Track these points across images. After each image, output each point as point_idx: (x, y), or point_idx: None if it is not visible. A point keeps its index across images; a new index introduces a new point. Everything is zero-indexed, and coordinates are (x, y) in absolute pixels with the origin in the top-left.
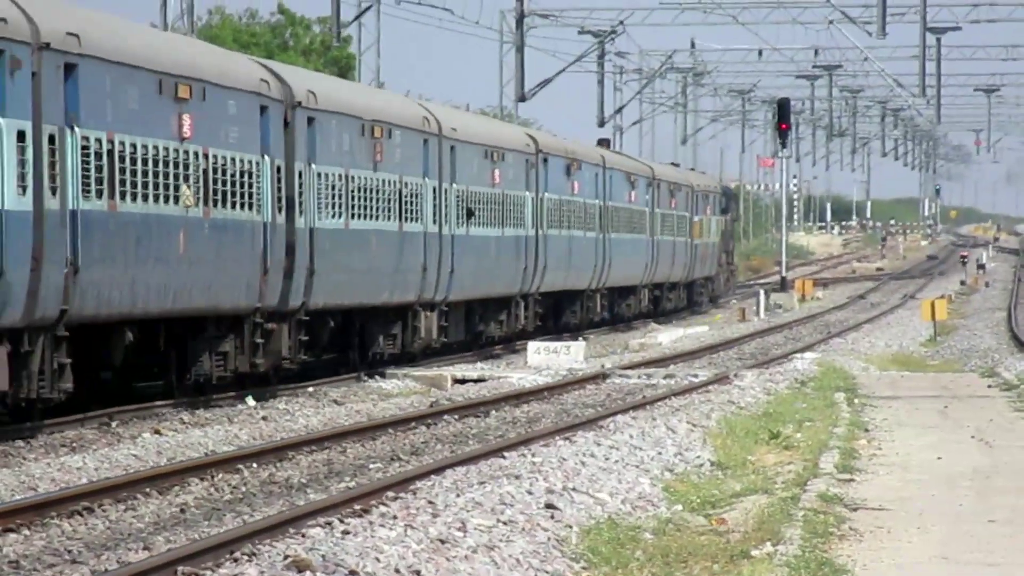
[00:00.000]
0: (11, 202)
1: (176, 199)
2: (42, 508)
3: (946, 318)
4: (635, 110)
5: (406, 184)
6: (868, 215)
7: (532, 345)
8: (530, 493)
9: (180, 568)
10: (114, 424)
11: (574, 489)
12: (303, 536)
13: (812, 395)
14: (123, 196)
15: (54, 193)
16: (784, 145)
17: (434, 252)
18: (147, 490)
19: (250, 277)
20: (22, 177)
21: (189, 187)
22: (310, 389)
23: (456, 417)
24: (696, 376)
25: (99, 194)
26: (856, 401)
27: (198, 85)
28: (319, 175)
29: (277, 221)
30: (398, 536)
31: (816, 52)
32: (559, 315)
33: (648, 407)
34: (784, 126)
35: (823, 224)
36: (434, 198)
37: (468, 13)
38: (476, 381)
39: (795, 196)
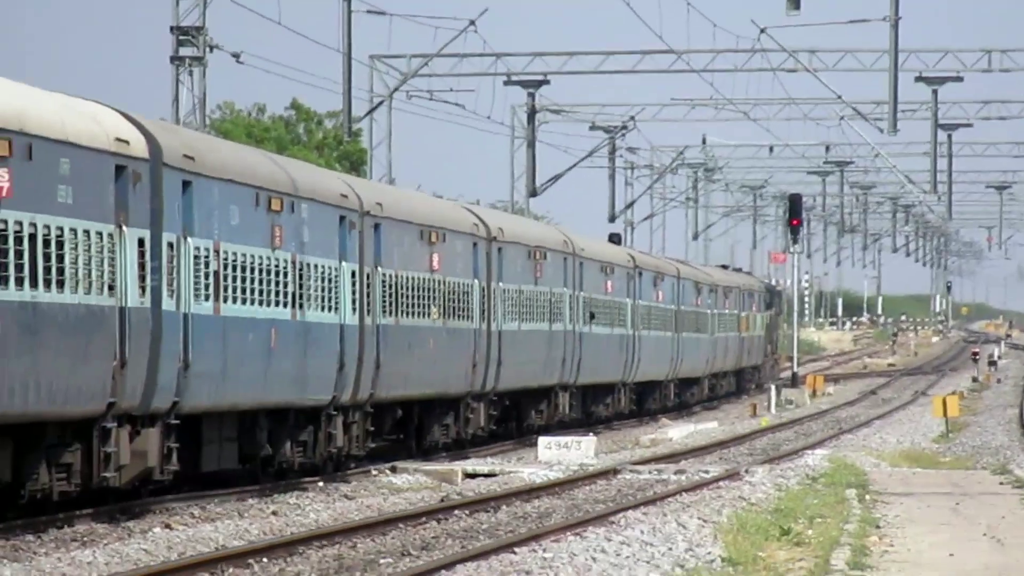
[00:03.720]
0: (348, 319)
1: (428, 314)
2: None
3: (958, 415)
4: (646, 205)
5: (554, 293)
6: (879, 311)
7: (543, 440)
8: None
9: None
10: (124, 518)
11: None
12: None
13: (823, 491)
14: (404, 314)
15: (368, 312)
16: (795, 241)
17: (570, 346)
18: None
19: (466, 369)
20: (354, 303)
21: (435, 305)
22: (320, 484)
23: (467, 512)
24: (707, 472)
25: (391, 313)
26: (867, 497)
27: (442, 231)
28: (504, 291)
29: (482, 327)
30: None
31: (827, 148)
32: (642, 402)
33: (659, 503)
34: (795, 222)
35: (834, 320)
36: (570, 303)
37: (480, 108)
38: (487, 476)
39: (806, 292)
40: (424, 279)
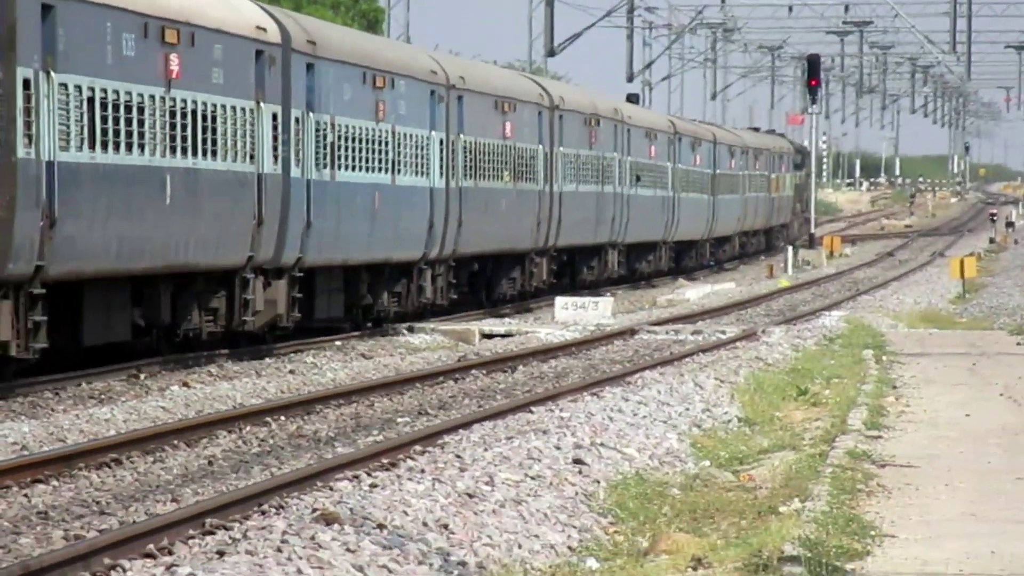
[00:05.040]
0: (436, 183)
1: (501, 177)
2: (71, 459)
3: (975, 276)
4: (664, 65)
5: (605, 158)
6: (897, 172)
7: (559, 300)
8: (558, 448)
9: (208, 520)
10: (142, 376)
11: (602, 444)
12: (331, 489)
13: (840, 352)
14: (482, 178)
15: (452, 176)
16: (814, 101)
17: (619, 207)
18: (175, 442)
19: (531, 227)
20: (441, 167)
21: (507, 169)
22: (338, 343)
23: (483, 372)
24: (724, 332)
25: (471, 177)
26: (884, 358)
27: (513, 101)
28: (564, 155)
29: (545, 188)
30: (426, 490)
31: (847, 8)
32: (680, 260)
33: (676, 363)
34: (814, 82)
35: (852, 181)
36: (619, 167)
37: None
38: (503, 336)
39: (824, 153)
40: (498, 145)
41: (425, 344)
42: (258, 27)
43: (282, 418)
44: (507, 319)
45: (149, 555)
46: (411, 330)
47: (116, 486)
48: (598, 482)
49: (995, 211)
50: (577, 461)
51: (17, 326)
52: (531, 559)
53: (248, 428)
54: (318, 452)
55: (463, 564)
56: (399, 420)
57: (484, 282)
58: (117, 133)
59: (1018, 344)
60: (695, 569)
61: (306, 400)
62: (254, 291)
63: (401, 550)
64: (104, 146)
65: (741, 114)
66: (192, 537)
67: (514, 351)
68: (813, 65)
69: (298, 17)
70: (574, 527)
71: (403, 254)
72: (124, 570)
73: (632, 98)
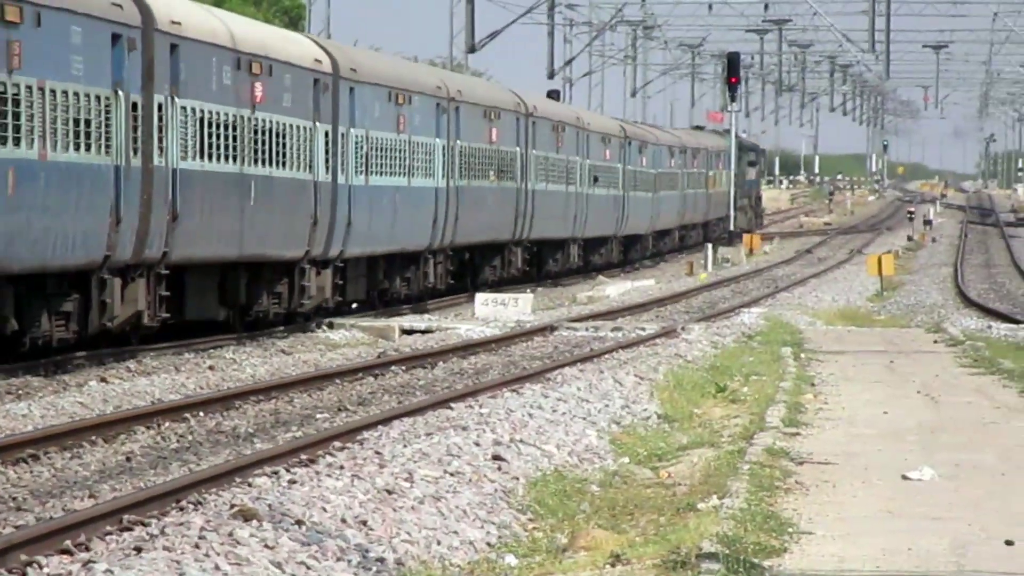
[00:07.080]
0: (440, 183)
1: (488, 177)
2: None
3: (893, 273)
4: (585, 62)
5: (569, 160)
6: (816, 170)
7: (480, 296)
8: (477, 445)
9: (126, 517)
10: (60, 371)
11: (521, 441)
12: (249, 485)
13: (759, 349)
14: (473, 177)
15: (451, 177)
16: (733, 99)
17: (580, 205)
18: (93, 438)
19: (510, 220)
20: (443, 169)
21: (493, 170)
22: (258, 339)
23: (403, 368)
24: (644, 329)
25: (465, 177)
26: (802, 355)
27: (497, 110)
28: (536, 157)
29: (521, 187)
30: (345, 486)
31: (766, 6)
32: (627, 252)
33: (595, 360)
34: (734, 80)
35: (771, 178)
36: (580, 169)
37: None
38: (423, 332)
39: None
40: (486, 149)
41: (345, 340)
42: (315, 59)
43: (201, 414)
44: (426, 315)
45: (66, 551)
46: (331, 326)
47: (33, 482)
48: (517, 479)
49: (913, 209)
50: (496, 458)
51: (148, 299)
52: (450, 555)
53: (167, 424)
54: (237, 448)
55: (381, 560)
56: (318, 416)
57: (471, 269)
58: (219, 146)
59: (935, 342)
60: (613, 566)
61: (225, 396)
62: (310, 279)
63: (319, 546)
64: (210, 157)
65: (661, 111)
66: (110, 533)
67: (434, 347)
68: (733, 63)
69: (345, 48)
70: (493, 523)
71: (414, 245)
72: (40, 567)
73: (553, 95)
